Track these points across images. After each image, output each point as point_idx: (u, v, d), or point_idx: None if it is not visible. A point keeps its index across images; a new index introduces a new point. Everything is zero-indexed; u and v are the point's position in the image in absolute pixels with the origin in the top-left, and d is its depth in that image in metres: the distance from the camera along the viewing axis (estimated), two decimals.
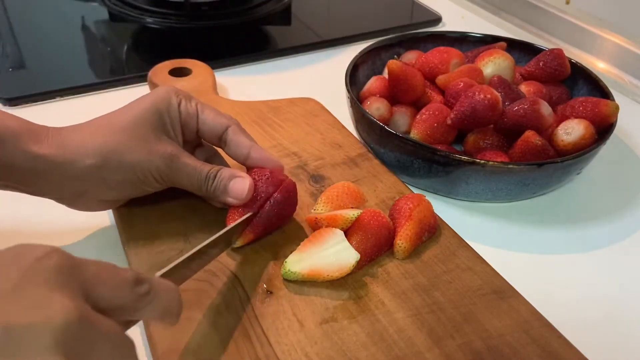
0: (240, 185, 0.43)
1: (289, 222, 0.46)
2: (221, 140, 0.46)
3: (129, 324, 0.31)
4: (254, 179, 0.43)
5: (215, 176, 0.43)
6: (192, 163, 0.43)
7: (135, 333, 0.40)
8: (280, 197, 0.43)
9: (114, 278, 0.27)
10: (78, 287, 0.25)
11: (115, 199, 0.45)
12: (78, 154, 0.40)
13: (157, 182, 0.43)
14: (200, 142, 0.48)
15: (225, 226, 0.41)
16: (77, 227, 0.48)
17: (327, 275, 0.41)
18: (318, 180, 0.51)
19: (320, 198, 0.47)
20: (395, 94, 0.58)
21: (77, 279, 0.26)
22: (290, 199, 0.45)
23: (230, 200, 0.43)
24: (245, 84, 0.71)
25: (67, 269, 0.25)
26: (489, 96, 0.51)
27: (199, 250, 0.37)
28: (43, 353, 0.22)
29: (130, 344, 0.27)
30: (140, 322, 0.39)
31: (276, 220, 0.44)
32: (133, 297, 0.28)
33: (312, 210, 0.46)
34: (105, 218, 0.48)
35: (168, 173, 0.43)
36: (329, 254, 0.41)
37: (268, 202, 0.43)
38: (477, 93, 0.51)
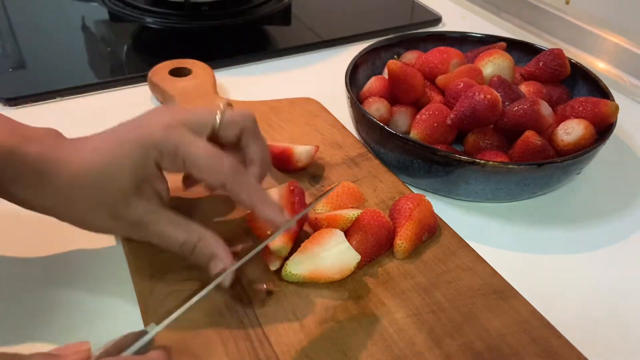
0: (219, 271, 0.38)
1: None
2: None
3: None
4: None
5: (193, 249, 0.39)
6: (164, 230, 0.39)
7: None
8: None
9: None
10: None
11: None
12: (50, 209, 0.39)
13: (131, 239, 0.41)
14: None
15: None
16: (77, 229, 0.48)
17: (328, 277, 0.41)
18: (318, 180, 0.51)
19: (324, 203, 0.47)
20: (395, 94, 0.58)
21: None
22: None
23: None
24: (245, 84, 0.71)
25: None
26: (489, 96, 0.51)
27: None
28: None
29: None
30: (140, 321, 0.39)
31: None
32: None
33: (313, 210, 0.46)
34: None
35: (138, 238, 0.41)
36: (330, 255, 0.40)
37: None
38: (477, 93, 0.51)
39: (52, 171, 0.38)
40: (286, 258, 0.42)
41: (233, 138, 0.41)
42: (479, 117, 0.52)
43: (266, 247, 0.41)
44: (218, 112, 0.40)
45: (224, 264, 0.38)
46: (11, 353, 0.26)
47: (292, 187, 0.44)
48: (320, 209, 0.46)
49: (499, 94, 0.52)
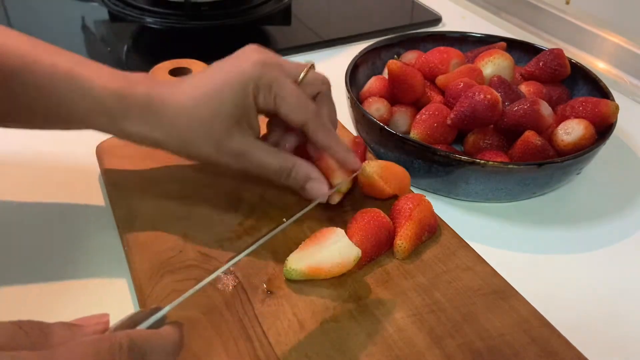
0: (317, 188, 0.44)
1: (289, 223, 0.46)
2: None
3: None
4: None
5: (289, 174, 0.44)
6: (262, 158, 0.43)
7: None
8: None
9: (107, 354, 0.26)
10: None
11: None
12: (158, 135, 0.42)
13: (230, 168, 0.44)
14: None
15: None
16: (77, 228, 0.48)
17: (329, 271, 0.40)
18: None
19: (377, 161, 0.47)
20: (395, 94, 0.58)
21: None
22: None
23: (306, 195, 0.45)
24: None
25: None
26: (489, 96, 0.51)
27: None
28: None
29: None
30: None
31: None
32: None
33: (365, 163, 0.47)
34: (105, 219, 0.48)
35: (238, 167, 0.44)
36: (330, 250, 0.41)
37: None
38: (477, 93, 0.51)
39: (159, 106, 0.42)
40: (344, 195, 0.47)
41: (309, 96, 0.45)
42: (479, 117, 0.52)
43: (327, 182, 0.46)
44: (305, 69, 0.44)
45: (319, 182, 0.44)
46: (37, 321, 0.27)
47: (357, 140, 0.50)
48: (372, 166, 0.47)
49: (498, 94, 0.52)
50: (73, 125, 0.44)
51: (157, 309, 0.32)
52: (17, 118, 0.44)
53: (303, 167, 0.44)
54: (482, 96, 0.51)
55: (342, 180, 0.46)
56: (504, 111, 0.53)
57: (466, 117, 0.52)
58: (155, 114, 0.42)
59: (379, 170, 0.47)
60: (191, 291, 0.33)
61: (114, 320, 0.30)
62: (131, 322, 0.30)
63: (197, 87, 0.42)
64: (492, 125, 0.54)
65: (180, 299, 0.33)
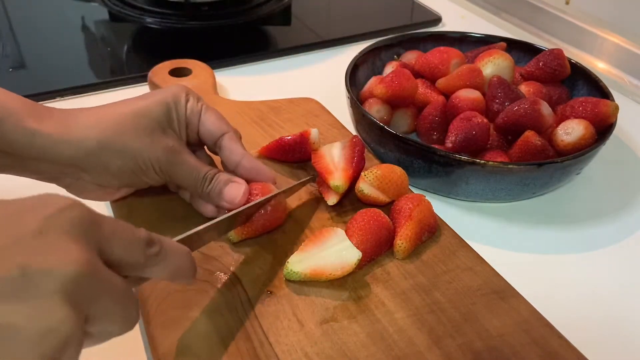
0: (235, 190, 0.43)
1: (290, 222, 0.47)
2: (216, 145, 0.46)
3: (140, 280, 0.32)
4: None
5: (212, 178, 0.43)
6: (191, 161, 0.44)
7: (136, 333, 0.40)
8: (270, 209, 0.44)
9: (129, 236, 0.29)
10: (94, 241, 0.27)
11: (114, 187, 0.45)
12: (81, 134, 0.41)
13: (156, 174, 0.43)
14: (201, 145, 0.48)
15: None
16: None
17: (330, 274, 0.41)
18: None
19: (374, 171, 0.47)
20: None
21: (94, 234, 0.27)
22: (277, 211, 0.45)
23: (223, 204, 0.43)
24: (245, 84, 0.71)
25: (87, 223, 0.26)
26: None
27: (208, 227, 0.38)
28: (51, 297, 0.23)
29: (132, 303, 0.28)
30: (141, 323, 0.39)
31: (262, 229, 0.45)
32: (144, 256, 0.29)
33: (363, 174, 0.47)
34: None
35: (167, 167, 0.43)
36: (331, 253, 0.41)
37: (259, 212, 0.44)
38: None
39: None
40: (340, 198, 0.47)
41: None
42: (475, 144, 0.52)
43: (324, 183, 0.47)
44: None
45: (239, 184, 0.43)
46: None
47: (354, 140, 0.49)
48: (370, 179, 0.46)
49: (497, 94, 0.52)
50: None
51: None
52: None
53: (225, 174, 0.44)
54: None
55: (339, 182, 0.46)
56: (504, 111, 0.53)
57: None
58: (77, 113, 0.42)
59: (376, 183, 0.46)
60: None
61: None
62: None
63: (122, 102, 0.44)
64: (492, 125, 0.54)
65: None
